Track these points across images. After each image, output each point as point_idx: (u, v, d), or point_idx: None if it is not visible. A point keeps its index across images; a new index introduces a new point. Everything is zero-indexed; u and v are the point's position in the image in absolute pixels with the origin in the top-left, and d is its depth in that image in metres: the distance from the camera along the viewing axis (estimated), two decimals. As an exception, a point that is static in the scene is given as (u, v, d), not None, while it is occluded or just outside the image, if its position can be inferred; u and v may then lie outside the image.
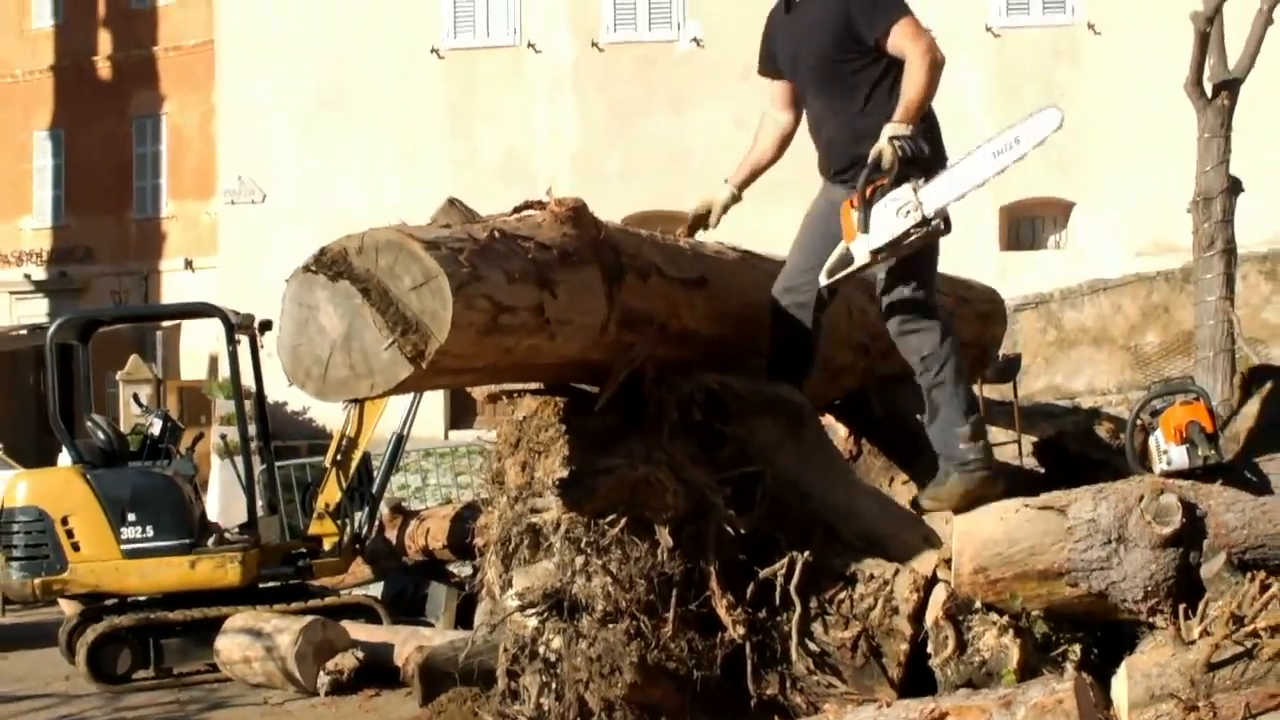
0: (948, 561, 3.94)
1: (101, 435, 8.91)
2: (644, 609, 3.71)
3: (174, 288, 22.46)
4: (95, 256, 23.92)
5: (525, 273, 3.40)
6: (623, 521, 3.75)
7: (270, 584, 8.74)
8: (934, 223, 3.91)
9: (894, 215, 3.93)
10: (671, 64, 18.79)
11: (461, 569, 9.49)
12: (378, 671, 7.26)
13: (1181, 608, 3.62)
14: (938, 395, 4.21)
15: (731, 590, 3.81)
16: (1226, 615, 3.47)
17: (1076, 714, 3.15)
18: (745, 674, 3.80)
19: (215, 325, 9.23)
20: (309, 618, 7.69)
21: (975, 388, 4.65)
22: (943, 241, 4.22)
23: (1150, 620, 3.70)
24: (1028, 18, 18.39)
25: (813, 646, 3.83)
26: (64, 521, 8.33)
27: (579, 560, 3.75)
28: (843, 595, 3.87)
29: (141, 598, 8.48)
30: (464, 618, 8.73)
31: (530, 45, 19.23)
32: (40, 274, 24.30)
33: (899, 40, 4.11)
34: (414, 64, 19.27)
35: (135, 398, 13.75)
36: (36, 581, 8.38)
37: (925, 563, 3.98)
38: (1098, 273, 16.71)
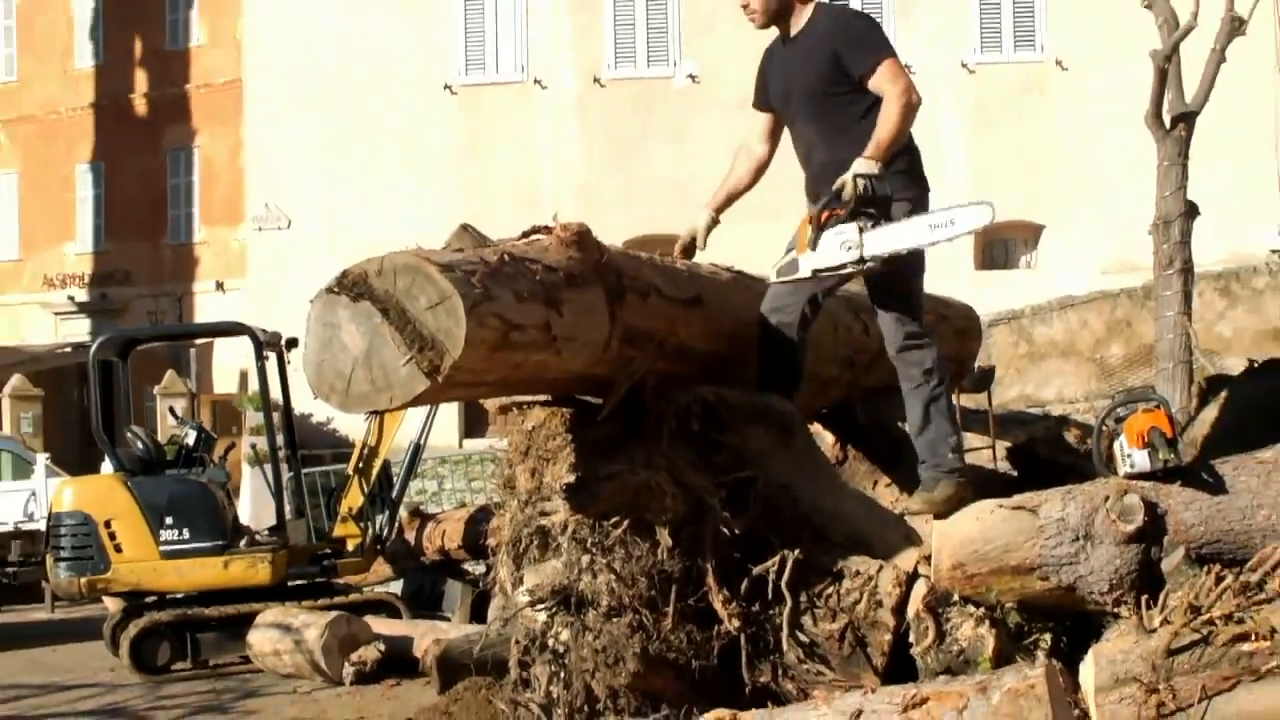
0: (928, 558, 3.94)
1: (140, 445, 8.92)
2: (646, 604, 3.71)
3: (206, 308, 22.47)
4: (133, 279, 23.93)
5: (533, 293, 3.40)
6: (625, 523, 3.74)
7: (298, 582, 8.74)
8: (869, 264, 3.94)
9: (838, 247, 3.95)
10: (668, 98, 18.82)
11: (475, 568, 9.49)
12: (398, 663, 7.27)
13: (1144, 599, 3.62)
14: (935, 407, 4.21)
15: (727, 586, 3.81)
16: (1185, 605, 3.46)
17: (1047, 698, 3.15)
18: (740, 663, 3.80)
19: (245, 343, 9.25)
20: (334, 613, 7.70)
21: (953, 398, 4.65)
22: (926, 263, 4.26)
23: (1115, 611, 3.70)
24: (1000, 55, 18.43)
25: (803, 638, 3.83)
26: (107, 525, 8.35)
27: (585, 559, 3.75)
28: (830, 590, 3.87)
29: (179, 595, 8.49)
30: (478, 613, 8.73)
31: (536, 81, 19.27)
32: (83, 296, 24.31)
33: (880, 80, 4.13)
34: (429, 99, 19.30)
35: (171, 410, 13.76)
36: (82, 580, 8.39)
37: (907, 559, 3.98)
38: (1065, 290, 16.71)
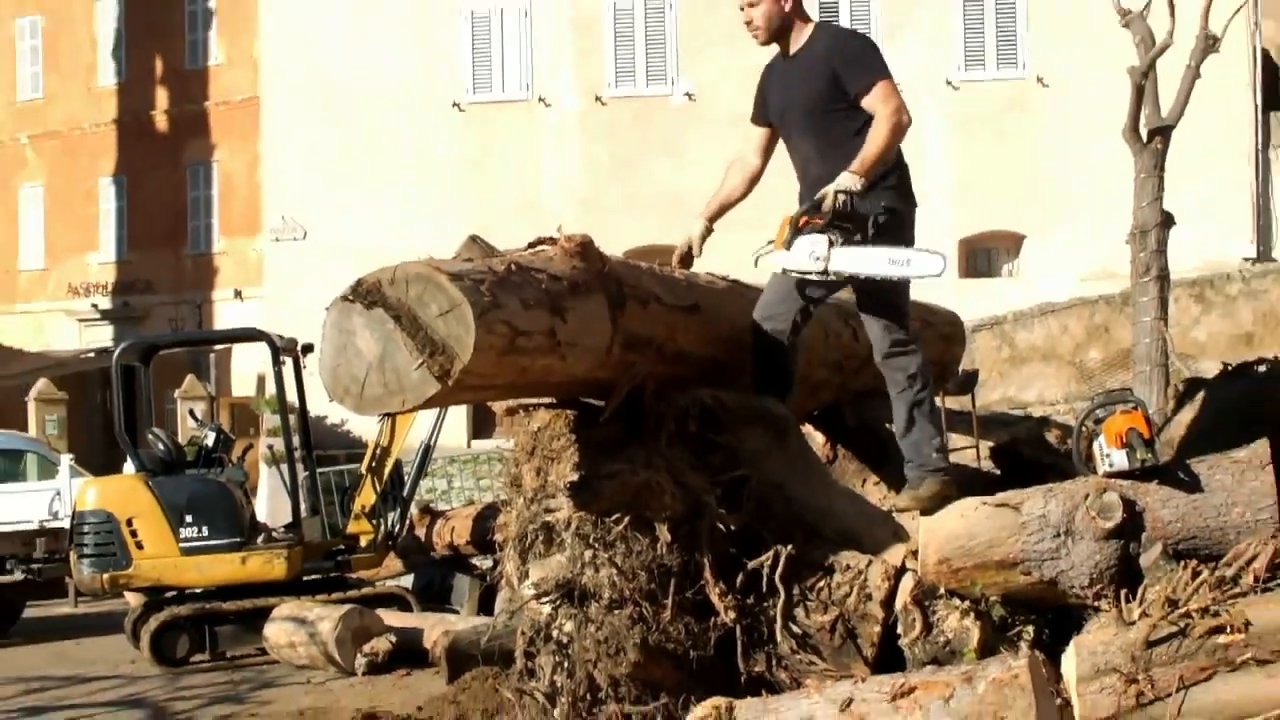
0: (915, 553, 3.94)
1: (161, 447, 8.92)
2: (646, 597, 3.71)
3: (225, 315, 22.48)
4: (154, 288, 23.94)
5: (539, 301, 3.41)
6: (626, 520, 3.74)
7: (313, 577, 8.75)
8: (831, 277, 3.98)
9: (807, 254, 3.97)
10: (666, 115, 18.84)
11: (483, 562, 9.49)
12: (409, 653, 7.26)
13: (1123, 593, 3.61)
14: (919, 410, 4.21)
15: (724, 580, 3.81)
16: (1162, 599, 3.46)
17: (1031, 688, 3.15)
18: (736, 653, 3.80)
19: (262, 348, 9.26)
20: (347, 607, 7.70)
21: (938, 400, 4.66)
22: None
23: (1095, 604, 3.69)
24: (983, 72, 18.45)
25: (796, 629, 3.83)
26: (129, 523, 8.35)
27: (588, 554, 3.75)
28: (822, 584, 3.87)
29: (198, 590, 8.48)
30: (485, 606, 8.73)
31: (541, 100, 19.29)
32: (106, 304, 24.31)
33: (873, 99, 4.13)
34: (438, 117, 19.32)
35: (191, 413, 13.75)
36: (105, 576, 8.39)
37: (895, 554, 3.98)
38: (1046, 297, 16.71)
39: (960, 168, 17.97)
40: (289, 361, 8.97)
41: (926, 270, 3.95)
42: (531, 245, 3.77)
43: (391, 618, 7.82)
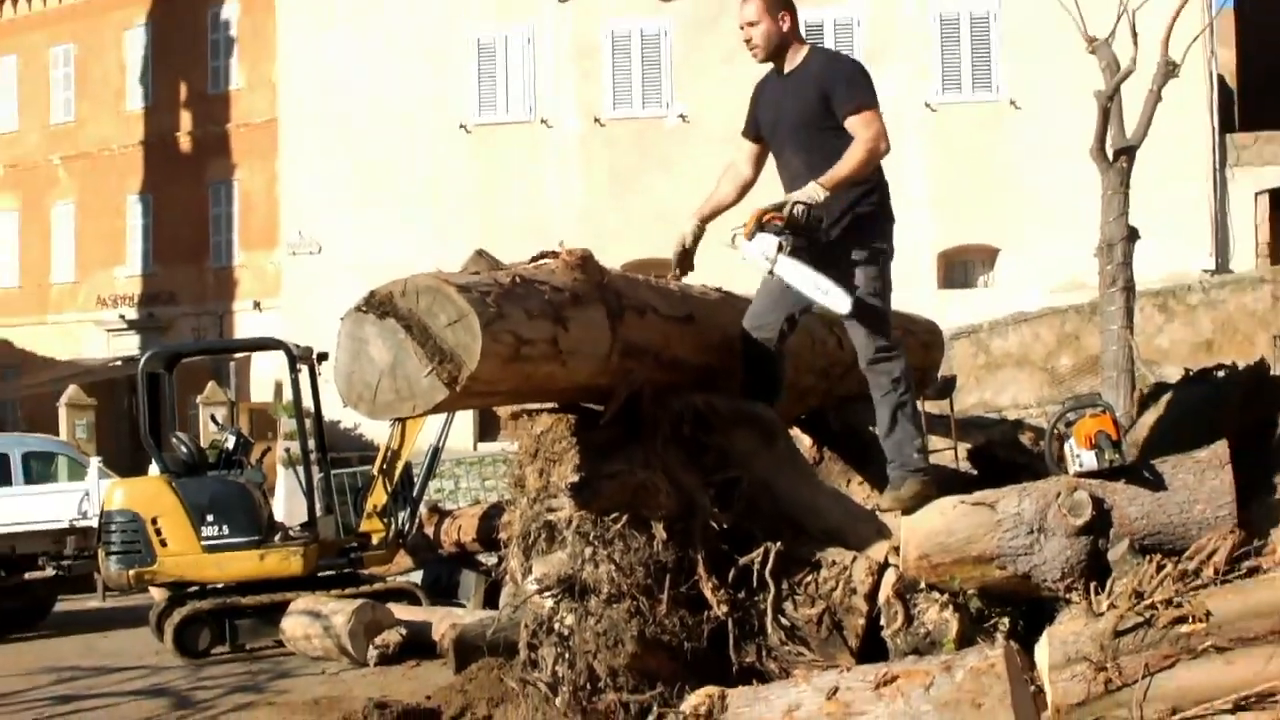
0: (897, 549, 3.93)
1: (184, 450, 8.89)
2: (642, 591, 3.70)
3: (245, 325, 22.45)
4: (178, 299, 23.91)
5: (542, 311, 3.40)
6: (624, 518, 3.73)
7: (327, 573, 8.71)
8: (774, 275, 4.00)
9: (759, 251, 3.99)
10: (661, 136, 18.85)
11: (488, 559, 9.46)
12: (418, 646, 7.24)
13: (1092, 585, 3.61)
14: (902, 412, 4.20)
15: (716, 575, 3.80)
16: (1129, 591, 3.46)
17: (1006, 676, 3.15)
18: (728, 645, 3.78)
19: (280, 357, 9.24)
20: (360, 601, 7.67)
21: (918, 404, 4.65)
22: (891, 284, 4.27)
23: (1067, 596, 3.69)
24: (960, 95, 18.48)
25: (784, 621, 3.82)
26: (154, 522, 8.32)
27: (588, 551, 3.74)
28: (809, 578, 3.86)
29: (219, 585, 8.45)
30: (491, 600, 8.70)
31: (543, 121, 19.30)
32: (132, 314, 24.28)
33: (856, 123, 4.11)
34: (446, 138, 19.33)
35: (213, 418, 13.76)
36: (130, 572, 8.36)
37: (878, 551, 3.97)
38: (1019, 307, 16.73)
39: (938, 185, 17.99)
40: (305, 369, 8.95)
41: (837, 306, 3.99)
42: (535, 259, 3.77)
43: (401, 612, 7.80)
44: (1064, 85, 16.21)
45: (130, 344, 23.51)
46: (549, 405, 3.97)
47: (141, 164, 24.32)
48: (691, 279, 4.63)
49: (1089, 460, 3.77)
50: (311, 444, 9.16)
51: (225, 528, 8.35)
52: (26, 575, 10.37)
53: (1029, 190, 17.70)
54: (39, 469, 12.76)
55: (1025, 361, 16.24)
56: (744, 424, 4.10)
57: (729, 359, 4.33)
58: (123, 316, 24.23)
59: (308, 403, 9.02)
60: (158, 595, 8.93)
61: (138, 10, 24.34)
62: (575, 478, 3.75)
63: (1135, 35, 11.14)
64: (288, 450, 13.25)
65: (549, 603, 3.76)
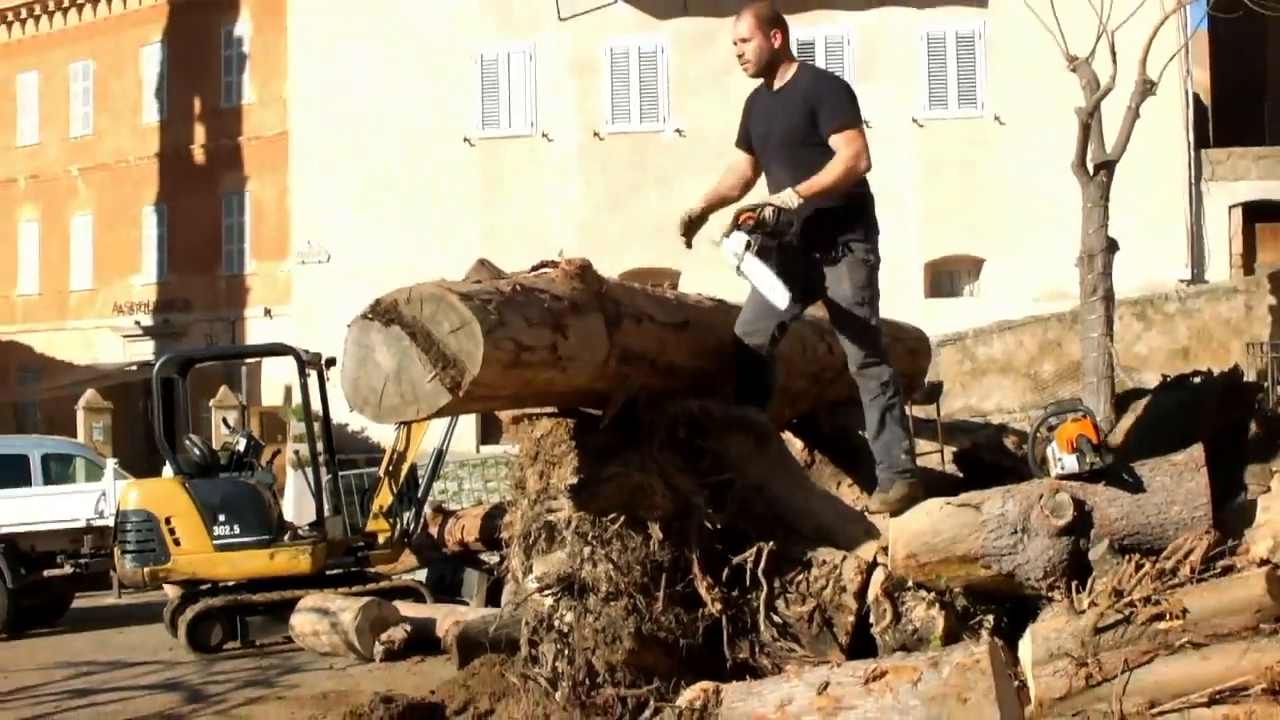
0: (885, 549, 3.92)
1: (197, 452, 8.88)
2: (639, 589, 3.69)
3: (256, 332, 22.42)
4: (192, 306, 23.89)
5: (542, 319, 3.39)
6: (621, 519, 3.72)
7: (335, 571, 8.71)
8: (740, 272, 4.03)
9: (731, 248, 4.01)
10: (658, 150, 18.86)
11: (491, 558, 9.45)
12: (423, 642, 7.22)
13: (1074, 584, 3.61)
14: (890, 415, 4.20)
15: (711, 574, 3.79)
16: (1109, 589, 3.46)
17: (991, 671, 3.14)
18: (722, 641, 3.78)
19: (290, 362, 9.25)
20: (367, 598, 7.66)
21: (906, 409, 4.65)
22: (880, 293, 4.27)
23: (1049, 595, 3.69)
24: (946, 111, 18.50)
25: (777, 619, 3.81)
26: (167, 521, 8.31)
27: (586, 550, 3.73)
28: (800, 577, 3.85)
29: (230, 583, 8.44)
30: (493, 597, 8.69)
31: (544, 135, 19.31)
32: (147, 321, 24.25)
33: (838, 141, 4.11)
34: (450, 150, 19.33)
35: (225, 421, 13.73)
36: (145, 570, 8.35)
37: (867, 550, 3.96)
38: (1004, 315, 16.74)
39: (926, 198, 18.01)
40: (314, 374, 8.95)
41: (777, 302, 4.03)
42: (535, 268, 3.76)
43: (407, 609, 7.78)
44: (1046, 102, 16.25)
45: (145, 349, 23.48)
46: (549, 410, 3.96)
47: (157, 176, 24.30)
48: (687, 287, 4.62)
49: (1070, 463, 3.77)
50: (320, 446, 9.15)
51: (236, 527, 8.34)
52: (45, 573, 10.35)
53: (1012, 203, 17.73)
54: (57, 470, 12.71)
55: (1009, 368, 16.25)
56: (737, 428, 4.10)
57: (724, 364, 4.33)
58: (138, 323, 24.20)
59: (316, 406, 9.01)
60: (171, 592, 8.91)
61: (154, 28, 24.35)
62: (574, 480, 3.74)
63: (1114, 55, 11.17)
64: (297, 452, 13.23)
65: (549, 600, 3.75)
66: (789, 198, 4.02)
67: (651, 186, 18.41)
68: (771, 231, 3.99)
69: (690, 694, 3.45)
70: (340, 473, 9.40)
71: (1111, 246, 11.40)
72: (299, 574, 8.39)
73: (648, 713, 3.58)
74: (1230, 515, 3.81)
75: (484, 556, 9.60)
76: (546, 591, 3.74)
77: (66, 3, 25.27)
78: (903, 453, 4.18)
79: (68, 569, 10.32)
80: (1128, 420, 5.92)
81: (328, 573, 8.62)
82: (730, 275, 4.16)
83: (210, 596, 8.32)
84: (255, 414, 19.05)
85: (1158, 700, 3.28)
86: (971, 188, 18.10)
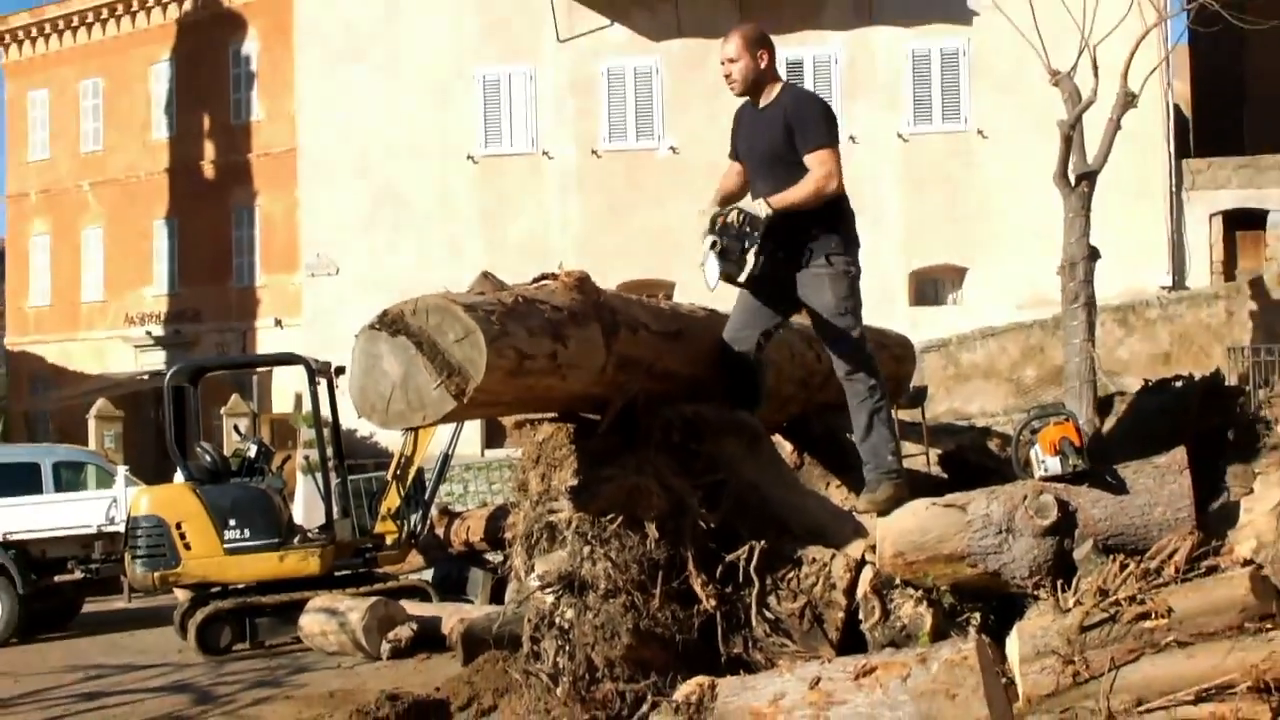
0: (873, 548, 3.92)
1: (208, 458, 8.88)
2: (637, 587, 3.69)
3: (266, 341, 22.40)
4: (203, 317, 23.88)
5: (543, 329, 3.40)
6: (619, 519, 3.72)
7: (343, 572, 8.71)
8: (704, 266, 4.10)
9: (701, 244, 4.09)
10: (653, 167, 18.88)
11: (495, 557, 9.45)
12: (429, 639, 7.23)
13: (1059, 583, 3.60)
14: (877, 417, 4.21)
15: (705, 571, 3.79)
16: (1094, 589, 3.45)
17: (978, 668, 3.14)
18: (717, 637, 3.78)
19: (299, 371, 9.25)
20: (374, 598, 7.66)
21: (892, 412, 4.66)
22: (864, 300, 4.30)
23: (1035, 593, 3.68)
24: (930, 126, 18.53)
25: (769, 615, 3.81)
26: (178, 526, 8.30)
27: (586, 549, 3.73)
28: (792, 575, 3.85)
29: (240, 585, 8.43)
30: (496, 596, 8.69)
31: (544, 153, 19.33)
32: (159, 331, 24.23)
33: (812, 161, 4.14)
34: (453, 167, 19.34)
35: (235, 428, 13.71)
36: (156, 574, 8.34)
37: (856, 549, 3.96)
38: (987, 322, 16.75)
39: (910, 209, 18.04)
40: (323, 382, 8.96)
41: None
42: (536, 280, 3.77)
43: (413, 608, 7.78)
44: (1028, 116, 16.29)
45: (157, 359, 23.45)
46: (550, 415, 3.97)
47: (167, 190, 24.30)
48: (681, 298, 4.64)
49: (1054, 465, 3.77)
50: (329, 452, 9.15)
51: (246, 531, 8.34)
52: (56, 578, 10.33)
53: (995, 214, 17.75)
54: (68, 478, 12.69)
55: (992, 373, 16.26)
56: (730, 431, 4.11)
57: (716, 371, 4.34)
58: (149, 333, 24.18)
59: (325, 413, 9.02)
60: (181, 596, 8.90)
61: (162, 46, 24.37)
62: (574, 482, 3.75)
63: (1096, 68, 11.21)
64: (306, 458, 13.23)
65: (550, 598, 3.75)
66: (760, 206, 4.09)
67: (647, 201, 18.43)
68: (736, 234, 4.05)
69: (686, 688, 3.46)
70: (349, 477, 9.40)
71: (1093, 255, 11.43)
72: (308, 575, 8.39)
73: (645, 707, 3.58)
74: (1213, 517, 3.81)
75: (488, 556, 9.61)
76: (548, 589, 3.75)
77: (76, 21, 25.30)
78: (889, 454, 4.19)
79: (78, 574, 10.30)
80: (1110, 423, 5.92)
81: (336, 574, 8.62)
82: (722, 287, 4.19)
83: (220, 599, 8.31)
84: (266, 421, 19.03)
85: (1145, 698, 3.27)
86: (955, 200, 18.13)
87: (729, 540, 3.89)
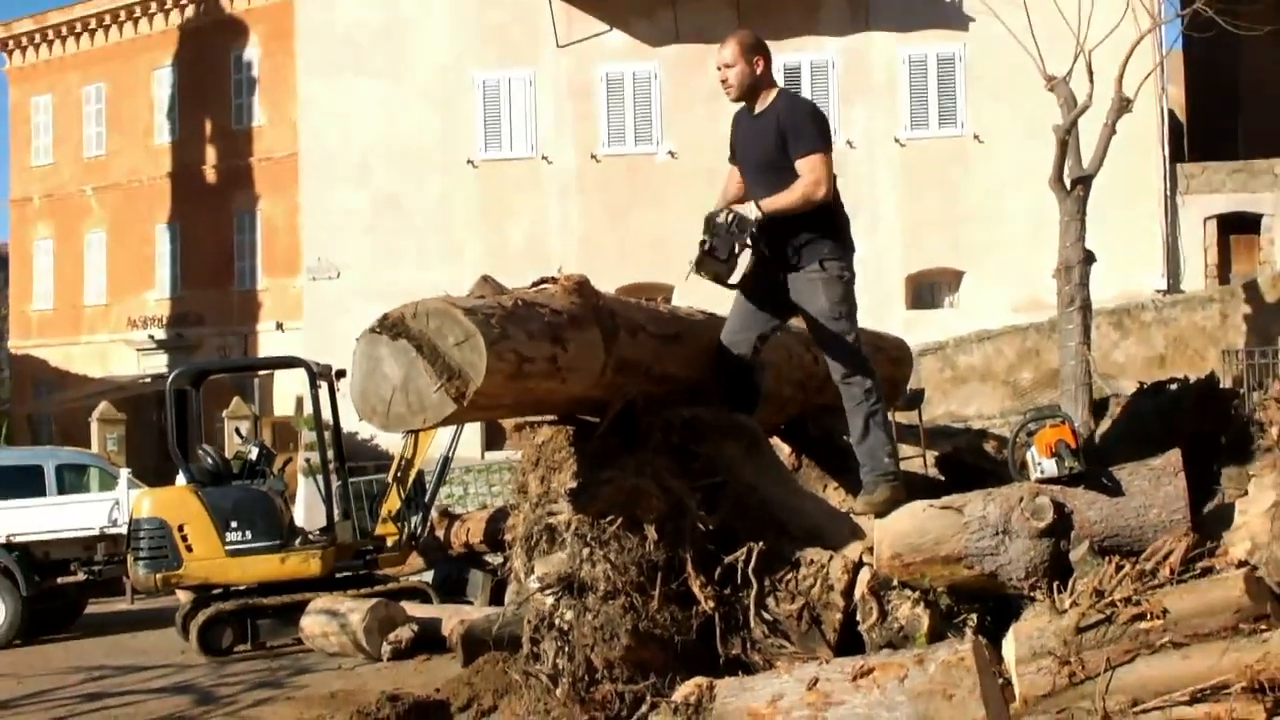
0: (871, 549, 3.92)
1: (210, 460, 8.88)
2: (636, 588, 3.69)
3: (268, 345, 22.39)
4: (205, 321, 23.86)
5: (542, 332, 3.40)
6: (619, 521, 3.72)
7: (344, 574, 8.70)
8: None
9: (698, 247, 4.12)
10: (652, 171, 18.90)
11: (494, 559, 9.45)
12: (429, 641, 7.22)
13: (1055, 584, 3.60)
14: (874, 420, 4.21)
15: (704, 573, 3.79)
16: (1090, 590, 3.45)
17: (975, 668, 3.13)
18: (716, 638, 3.78)
19: (301, 374, 9.25)
20: (374, 600, 7.65)
21: (889, 415, 4.66)
22: (861, 304, 4.31)
23: (1031, 594, 3.67)
24: (927, 130, 18.56)
25: (767, 616, 3.80)
26: (180, 528, 8.29)
27: (585, 551, 3.73)
28: (790, 576, 3.85)
29: (241, 587, 8.42)
30: (496, 598, 8.69)
31: (544, 157, 19.35)
32: (161, 335, 24.22)
33: (802, 167, 4.15)
34: (454, 172, 19.36)
35: (237, 430, 13.71)
36: (158, 576, 8.33)
37: (853, 550, 3.96)
38: (983, 325, 16.77)
39: (907, 213, 18.06)
40: (324, 385, 8.95)
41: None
42: (536, 284, 3.77)
43: (413, 609, 7.77)
44: (1024, 121, 16.31)
45: (159, 362, 23.44)
46: (549, 418, 3.97)
47: (169, 195, 24.30)
48: (680, 301, 4.64)
49: (1050, 467, 3.77)
50: (330, 454, 9.14)
51: (248, 533, 8.33)
52: (59, 580, 10.32)
53: (992, 218, 17.77)
54: (71, 480, 12.67)
55: (989, 376, 16.27)
56: (728, 433, 4.11)
57: (714, 373, 4.34)
58: (152, 337, 24.17)
59: (327, 416, 9.01)
60: (183, 597, 8.89)
61: (165, 52, 24.38)
62: (574, 484, 3.75)
63: (1091, 74, 11.23)
64: (308, 460, 13.21)
65: (550, 600, 3.75)
66: (748, 208, 4.12)
67: (646, 205, 18.45)
68: (723, 235, 4.08)
69: (685, 689, 3.45)
70: (350, 479, 9.38)
71: (1088, 258, 11.45)
72: (309, 577, 8.38)
73: (644, 708, 3.57)
74: (1208, 518, 3.81)
75: (488, 558, 9.60)
76: (547, 591, 3.74)
77: (80, 27, 25.32)
78: (886, 456, 4.19)
79: (81, 576, 10.29)
80: (1105, 425, 5.92)
81: (337, 575, 8.61)
82: (720, 290, 4.20)
83: (221, 601, 8.31)
84: (268, 424, 19.02)
85: (1140, 698, 3.26)
86: (951, 204, 18.15)
87: (728, 542, 3.89)
